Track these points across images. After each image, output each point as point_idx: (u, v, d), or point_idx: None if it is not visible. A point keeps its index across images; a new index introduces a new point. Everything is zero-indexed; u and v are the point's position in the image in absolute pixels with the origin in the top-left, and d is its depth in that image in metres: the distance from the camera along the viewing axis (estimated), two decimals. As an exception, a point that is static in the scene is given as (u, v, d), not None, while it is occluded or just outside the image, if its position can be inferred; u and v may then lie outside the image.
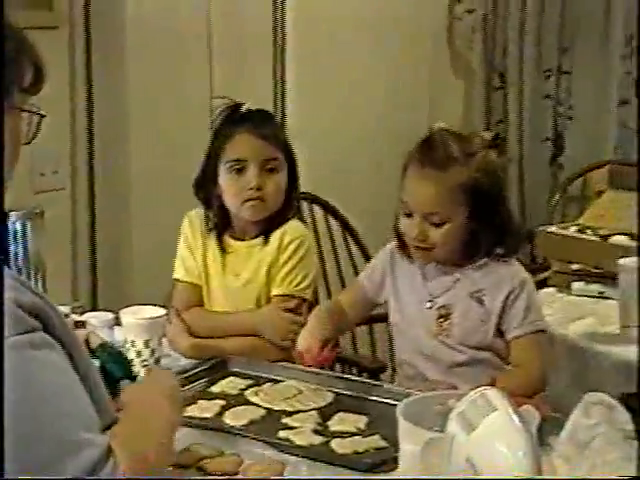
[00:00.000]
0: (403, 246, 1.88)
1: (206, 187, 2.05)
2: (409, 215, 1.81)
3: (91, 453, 1.05)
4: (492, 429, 1.13)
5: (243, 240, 2.06)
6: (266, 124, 2.03)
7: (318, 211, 2.88)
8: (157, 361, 1.83)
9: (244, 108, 2.02)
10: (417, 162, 1.80)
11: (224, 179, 2.01)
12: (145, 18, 2.83)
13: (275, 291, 2.01)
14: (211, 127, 2.09)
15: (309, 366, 1.79)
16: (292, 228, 2.03)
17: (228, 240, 2.06)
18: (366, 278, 1.97)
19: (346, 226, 2.89)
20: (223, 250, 2.05)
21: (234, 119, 2.02)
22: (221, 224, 2.06)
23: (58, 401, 1.06)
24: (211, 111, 2.18)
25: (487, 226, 1.80)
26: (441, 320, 1.85)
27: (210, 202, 2.05)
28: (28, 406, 1.02)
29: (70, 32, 2.72)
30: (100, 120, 2.80)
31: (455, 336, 1.83)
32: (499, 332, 1.83)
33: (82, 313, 2.00)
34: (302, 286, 2.01)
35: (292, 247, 2.01)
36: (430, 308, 1.86)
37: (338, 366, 2.58)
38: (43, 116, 1.21)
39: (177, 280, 2.09)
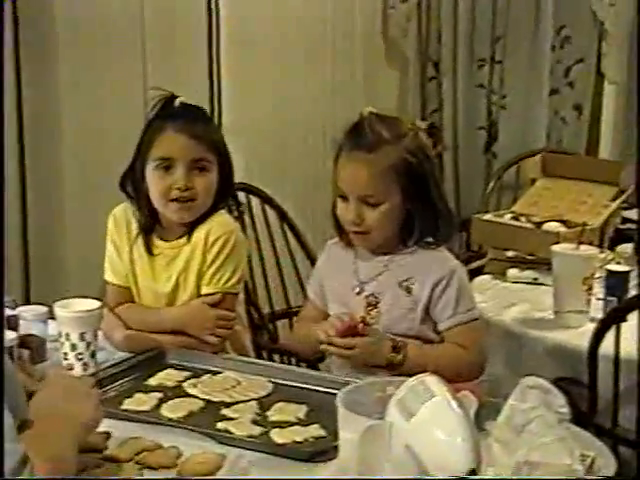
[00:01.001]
0: (341, 232, 1.89)
1: (134, 183, 1.97)
2: (344, 199, 1.83)
3: (9, 461, 1.04)
4: (431, 416, 1.13)
5: (169, 241, 1.99)
6: (198, 122, 1.95)
7: (254, 200, 2.89)
8: (93, 354, 1.80)
9: (178, 101, 1.96)
10: (347, 147, 1.82)
11: (151, 176, 1.93)
12: (76, 11, 2.79)
13: (204, 290, 1.96)
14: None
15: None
16: (217, 224, 1.96)
17: (155, 241, 1.99)
18: (312, 292, 1.97)
19: (282, 215, 2.90)
20: (150, 252, 1.98)
21: (166, 114, 1.95)
22: (148, 223, 1.98)
23: None
24: (145, 106, 2.13)
25: (421, 208, 1.82)
26: (369, 309, 1.85)
27: (138, 199, 1.98)
28: None
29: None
30: (30, 114, 2.75)
31: (383, 324, 1.84)
32: (430, 320, 1.84)
33: (14, 307, 1.95)
34: (231, 282, 1.96)
35: (218, 245, 1.94)
36: (359, 294, 1.87)
37: (277, 356, 2.58)
38: None
39: (107, 282, 2.04)
